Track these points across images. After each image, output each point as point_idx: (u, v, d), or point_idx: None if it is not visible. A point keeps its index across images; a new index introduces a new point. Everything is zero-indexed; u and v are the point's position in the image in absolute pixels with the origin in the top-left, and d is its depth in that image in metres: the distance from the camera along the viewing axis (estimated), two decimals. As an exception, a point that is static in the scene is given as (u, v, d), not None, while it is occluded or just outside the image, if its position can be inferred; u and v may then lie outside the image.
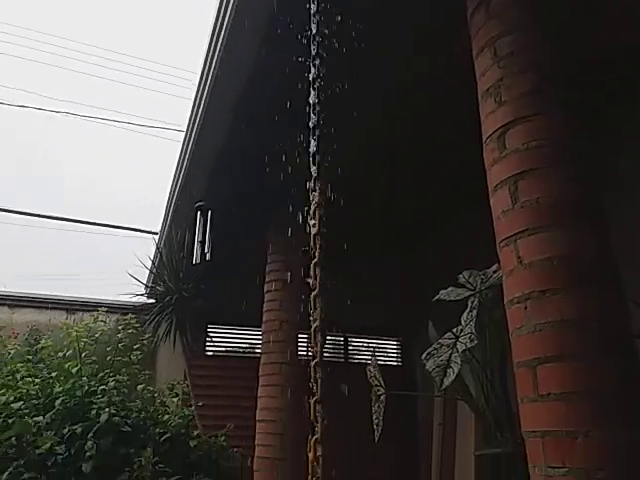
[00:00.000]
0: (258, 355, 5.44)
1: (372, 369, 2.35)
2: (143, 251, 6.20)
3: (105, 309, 4.35)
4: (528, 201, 1.99)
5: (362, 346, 8.68)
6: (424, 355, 2.23)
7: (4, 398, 2.97)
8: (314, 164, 1.63)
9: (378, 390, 2.33)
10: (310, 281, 1.55)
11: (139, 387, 3.40)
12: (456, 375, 2.09)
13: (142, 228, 8.26)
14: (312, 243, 1.61)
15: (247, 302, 5.30)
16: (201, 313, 5.17)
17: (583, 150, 2.10)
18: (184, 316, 4.88)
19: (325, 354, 1.51)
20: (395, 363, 8.78)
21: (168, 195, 5.07)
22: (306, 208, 1.58)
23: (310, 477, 1.46)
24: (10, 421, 2.71)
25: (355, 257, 5.23)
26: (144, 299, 5.79)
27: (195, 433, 3.29)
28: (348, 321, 7.50)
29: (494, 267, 2.47)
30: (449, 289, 2.49)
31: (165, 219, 5.40)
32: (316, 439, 1.49)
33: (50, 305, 7.04)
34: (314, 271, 1.60)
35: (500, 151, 2.13)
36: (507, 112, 2.15)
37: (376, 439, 2.33)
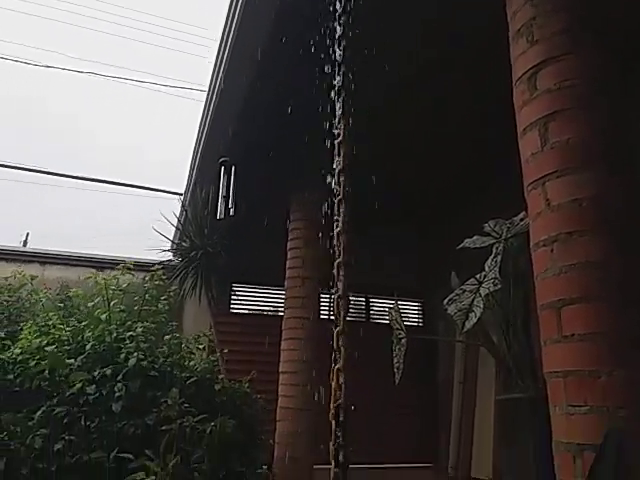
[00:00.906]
0: (281, 314, 5.53)
1: (393, 313, 2.36)
2: (168, 212, 6.28)
3: (132, 265, 4.41)
4: (558, 142, 1.95)
5: (384, 307, 8.75)
6: (446, 300, 2.23)
7: (38, 341, 3.08)
8: (338, 127, 1.53)
9: (399, 333, 2.35)
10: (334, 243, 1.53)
11: (166, 337, 3.49)
12: (478, 319, 2.09)
13: (167, 189, 8.33)
14: (336, 209, 1.58)
15: (271, 261, 5.36)
16: (226, 269, 5.24)
17: (616, 92, 2.03)
18: (209, 272, 4.95)
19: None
20: (416, 324, 8.84)
21: (192, 152, 5.08)
22: (330, 168, 1.55)
23: (332, 403, 1.48)
24: (44, 363, 2.83)
25: (377, 222, 5.23)
26: (170, 257, 5.90)
27: (220, 377, 3.38)
28: (369, 282, 7.55)
29: (521, 215, 2.43)
30: (474, 237, 2.47)
31: (190, 176, 5.43)
32: (338, 368, 1.51)
33: (79, 262, 7.22)
34: (338, 239, 1.58)
35: (531, 92, 2.07)
36: (539, 52, 2.08)
37: (397, 382, 2.35)
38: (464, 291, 2.22)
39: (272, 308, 7.60)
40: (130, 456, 2.49)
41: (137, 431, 2.83)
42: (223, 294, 7.10)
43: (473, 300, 2.14)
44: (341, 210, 1.55)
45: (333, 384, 1.50)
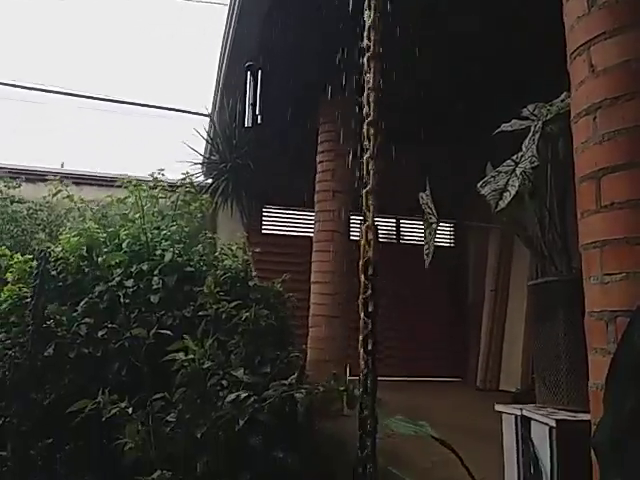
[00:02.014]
0: (311, 235, 5.58)
1: (425, 197, 2.32)
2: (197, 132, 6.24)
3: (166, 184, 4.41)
4: (607, 2, 1.80)
5: (414, 229, 8.72)
6: (480, 183, 2.18)
7: (76, 239, 3.18)
8: (369, 39, 1.36)
9: (430, 218, 2.32)
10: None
11: (200, 237, 3.56)
12: (512, 197, 2.04)
13: (194, 110, 8.24)
14: (365, 132, 1.47)
15: (300, 184, 5.34)
16: (256, 184, 5.25)
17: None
18: (239, 186, 4.96)
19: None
20: (448, 244, 8.82)
21: (218, 61, 4.96)
22: (361, 80, 1.41)
23: (362, 259, 1.47)
24: (82, 241, 2.92)
25: (407, 140, 5.08)
26: (201, 178, 5.94)
27: (253, 275, 3.46)
28: (400, 203, 7.47)
29: (562, 96, 2.31)
30: (512, 121, 2.37)
31: (216, 88, 5.34)
32: (367, 226, 1.49)
33: (114, 183, 7.34)
34: (367, 165, 1.50)
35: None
36: None
37: (426, 265, 2.35)
38: (499, 172, 2.15)
39: (302, 229, 7.68)
40: (169, 332, 2.60)
41: (175, 321, 2.95)
42: (254, 215, 7.20)
43: (508, 180, 2.08)
44: (371, 133, 1.45)
45: (362, 241, 1.50)
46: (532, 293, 2.36)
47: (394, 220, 8.66)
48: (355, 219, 5.69)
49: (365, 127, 1.44)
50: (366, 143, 1.46)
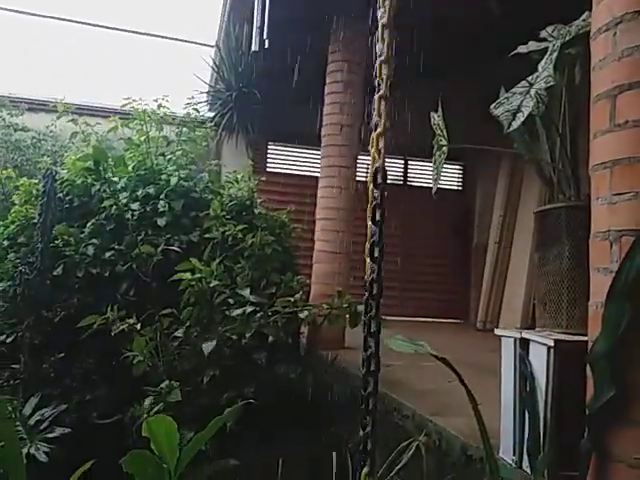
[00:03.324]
0: (317, 175, 5.52)
1: (436, 117, 2.27)
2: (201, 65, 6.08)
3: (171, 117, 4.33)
4: None
5: (422, 170, 8.63)
6: (493, 105, 2.12)
7: (80, 162, 3.17)
8: None
9: (440, 140, 2.28)
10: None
11: (205, 166, 3.54)
12: (525, 118, 1.99)
13: (200, 41, 8.01)
14: (377, 69, 1.39)
15: (307, 119, 5.23)
16: (261, 115, 5.15)
17: None
18: (245, 116, 4.88)
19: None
20: (456, 187, 8.76)
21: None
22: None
23: (369, 204, 1.44)
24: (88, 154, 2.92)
25: (418, 79, 4.91)
26: (207, 109, 5.83)
27: (258, 203, 3.46)
28: (408, 143, 7.35)
29: (583, 15, 2.21)
30: (529, 43, 2.28)
31: (223, 12, 5.15)
32: (379, 133, 1.46)
33: (117, 114, 7.23)
34: (378, 105, 1.43)
35: None
36: None
37: (433, 192, 2.33)
38: (514, 94, 2.09)
39: (308, 169, 7.62)
40: (177, 249, 2.64)
41: (182, 245, 2.98)
42: (259, 152, 7.12)
43: (522, 101, 2.03)
44: (384, 73, 1.37)
45: (372, 150, 1.48)
46: (539, 220, 2.34)
47: (402, 161, 8.58)
48: (362, 159, 5.63)
49: (377, 65, 1.39)
50: (378, 80, 1.41)
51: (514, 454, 2.11)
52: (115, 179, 2.91)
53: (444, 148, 2.22)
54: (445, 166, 8.32)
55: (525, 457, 2.02)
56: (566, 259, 2.11)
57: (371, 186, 1.48)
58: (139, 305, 2.70)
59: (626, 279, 1.59)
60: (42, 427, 2.44)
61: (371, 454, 1.41)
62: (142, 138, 3.25)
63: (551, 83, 1.97)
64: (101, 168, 2.45)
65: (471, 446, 2.43)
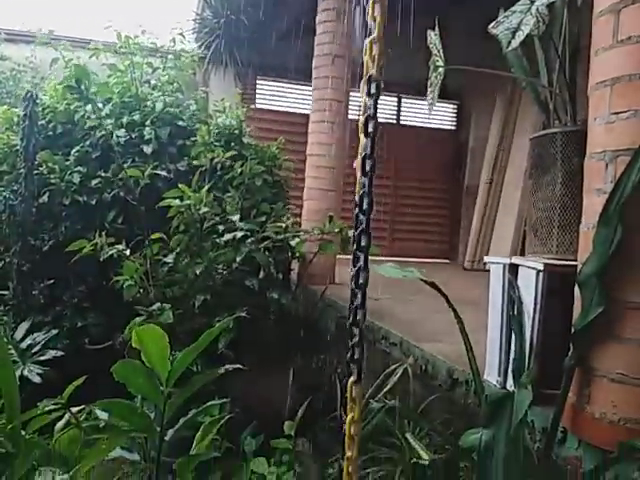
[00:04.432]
0: (307, 113, 5.37)
1: (433, 35, 2.19)
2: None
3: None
4: None
5: (415, 108, 8.47)
6: (492, 25, 2.04)
7: (62, 87, 3.05)
8: None
9: (437, 60, 2.20)
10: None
11: (193, 96, 3.42)
12: (525, 36, 1.92)
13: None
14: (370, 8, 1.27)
15: (297, 51, 5.03)
16: (249, 46, 4.95)
17: None
18: (233, 45, 4.69)
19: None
20: (449, 127, 8.64)
21: None
22: None
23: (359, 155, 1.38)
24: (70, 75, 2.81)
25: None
26: (194, 38, 5.59)
27: (247, 132, 3.38)
28: (401, 80, 7.17)
29: None
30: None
31: None
32: (368, 116, 1.38)
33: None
34: (370, 48, 1.31)
35: None
36: None
37: (429, 113, 2.27)
38: (514, 12, 2.00)
39: (299, 106, 7.43)
40: (164, 174, 2.59)
41: (169, 174, 2.92)
42: (248, 87, 6.90)
43: (522, 19, 1.95)
44: (376, 8, 1.26)
45: (361, 135, 1.41)
46: (534, 147, 2.31)
47: (395, 98, 8.39)
48: (354, 96, 5.48)
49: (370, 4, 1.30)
50: (371, 23, 1.33)
51: (499, 375, 2.17)
52: (99, 104, 2.80)
53: (440, 69, 2.14)
54: (439, 105, 8.18)
55: (510, 378, 2.08)
56: (559, 185, 2.09)
57: (362, 135, 1.42)
58: (128, 233, 2.67)
59: (619, 199, 1.58)
60: (34, 351, 2.46)
61: (358, 363, 1.43)
62: (126, 63, 3.11)
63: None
64: (83, 87, 2.35)
65: (457, 370, 2.50)
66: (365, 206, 1.39)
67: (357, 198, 1.39)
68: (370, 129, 1.38)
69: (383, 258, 6.77)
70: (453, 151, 8.52)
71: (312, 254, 4.70)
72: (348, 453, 1.42)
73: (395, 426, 2.25)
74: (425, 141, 8.35)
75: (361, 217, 1.39)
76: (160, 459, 1.62)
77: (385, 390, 2.38)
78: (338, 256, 5.30)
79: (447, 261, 8.46)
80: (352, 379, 1.44)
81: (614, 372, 1.58)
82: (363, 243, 1.40)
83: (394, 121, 8.53)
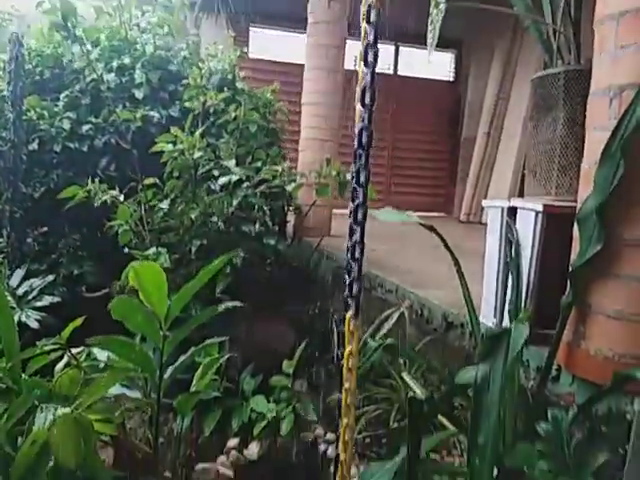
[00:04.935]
0: (302, 63, 5.21)
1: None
2: None
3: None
4: None
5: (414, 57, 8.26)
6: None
7: (48, 30, 2.93)
8: None
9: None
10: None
11: (185, 40, 3.30)
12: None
13: None
14: None
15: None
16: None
17: None
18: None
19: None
20: (447, 78, 8.46)
21: None
22: None
23: (359, 85, 1.32)
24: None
25: None
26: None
27: (242, 75, 3.29)
28: (399, 28, 6.94)
29: None
30: None
31: None
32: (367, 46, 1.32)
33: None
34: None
35: None
36: None
37: (428, 55, 2.20)
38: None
39: (293, 56, 7.23)
40: (155, 114, 2.53)
41: (161, 120, 2.85)
42: (241, 35, 6.68)
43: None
44: None
45: (360, 68, 1.34)
46: (536, 87, 2.26)
47: (392, 47, 8.17)
48: (351, 45, 5.31)
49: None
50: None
51: (495, 317, 2.19)
52: (88, 46, 2.70)
53: (442, 6, 2.06)
54: (438, 55, 7.95)
55: (506, 320, 2.10)
56: (560, 126, 2.05)
57: (360, 69, 1.37)
58: (121, 180, 2.62)
59: (623, 134, 1.55)
60: (31, 297, 2.46)
61: (356, 298, 1.43)
62: (114, 4, 2.99)
63: None
64: (70, 25, 2.24)
65: (452, 313, 2.52)
66: (364, 140, 1.36)
67: (356, 131, 1.36)
68: (370, 58, 1.34)
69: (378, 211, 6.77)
70: (451, 103, 8.38)
71: (308, 206, 4.69)
72: (346, 385, 1.44)
73: (391, 367, 2.29)
74: (422, 92, 8.20)
75: (360, 151, 1.36)
76: (160, 398, 1.64)
77: (382, 333, 2.40)
78: (334, 210, 5.29)
79: (443, 214, 8.45)
80: (350, 313, 1.45)
81: (611, 309, 1.59)
82: (362, 179, 1.38)
83: (391, 71, 8.34)
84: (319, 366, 2.55)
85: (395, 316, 2.51)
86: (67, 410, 1.33)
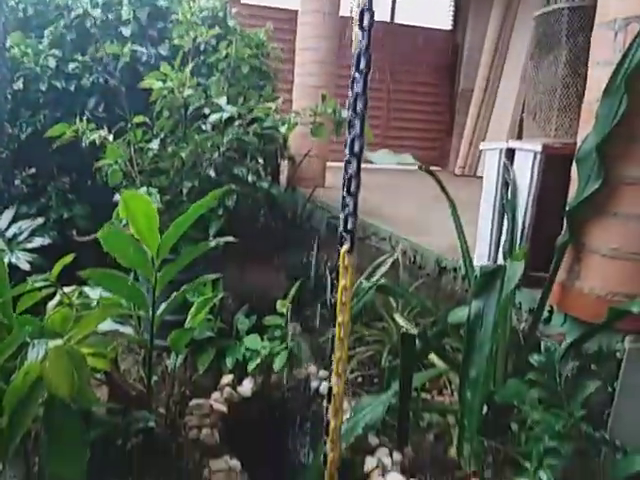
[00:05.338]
0: (296, 9, 5.00)
1: None
2: None
3: None
4: None
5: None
6: None
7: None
8: None
9: None
10: None
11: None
12: None
13: None
14: None
15: None
16: None
17: None
18: None
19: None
20: (445, 27, 8.21)
21: None
22: None
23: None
24: None
25: None
26: None
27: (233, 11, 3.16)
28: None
29: None
30: None
31: None
32: None
33: None
34: None
35: None
36: None
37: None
38: None
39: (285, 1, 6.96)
40: (143, 50, 2.44)
41: (150, 59, 2.75)
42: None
43: None
44: None
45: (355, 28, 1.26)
46: (538, 25, 2.18)
47: (390, -6, 7.89)
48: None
49: None
50: None
51: (488, 260, 2.19)
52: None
53: None
54: (436, 2, 7.65)
55: (500, 261, 2.10)
56: (562, 64, 2.00)
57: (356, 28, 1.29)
58: (109, 122, 2.54)
59: (628, 68, 1.50)
60: (21, 239, 2.43)
61: (351, 233, 1.41)
62: None
63: None
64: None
65: (445, 259, 2.52)
66: (362, 66, 1.31)
67: (354, 58, 1.31)
68: (366, 22, 1.27)
69: (372, 166, 6.70)
70: (448, 52, 8.17)
71: (301, 156, 4.62)
72: (339, 319, 1.44)
73: (383, 309, 2.30)
74: (420, 41, 7.98)
75: (357, 75, 1.31)
76: (153, 335, 1.64)
77: (375, 279, 2.40)
78: (328, 163, 5.22)
79: (438, 168, 8.38)
80: (345, 247, 1.43)
81: (606, 247, 1.59)
82: (359, 107, 1.34)
83: (388, 20, 8.09)
84: (312, 310, 2.56)
85: (389, 262, 2.49)
86: (59, 342, 1.32)
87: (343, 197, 1.40)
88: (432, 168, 7.08)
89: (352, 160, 1.38)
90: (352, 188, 1.40)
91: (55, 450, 1.41)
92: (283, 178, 4.60)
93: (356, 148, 1.37)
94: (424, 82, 8.09)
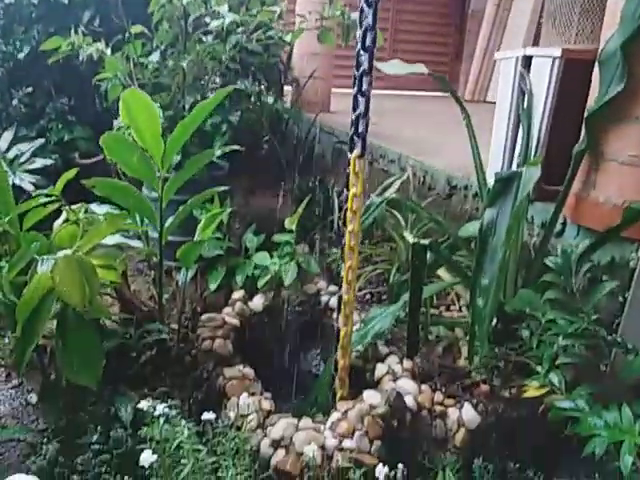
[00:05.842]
0: None
1: None
2: None
3: None
4: None
5: None
6: None
7: None
8: None
9: None
10: None
11: None
12: None
13: None
14: None
15: None
16: None
17: None
18: None
19: None
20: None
21: None
22: None
23: None
24: None
25: None
26: None
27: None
28: None
29: None
30: None
31: None
32: None
33: None
34: None
35: None
36: None
37: None
38: None
39: None
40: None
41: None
42: None
43: None
44: None
45: None
46: None
47: None
48: None
49: None
50: None
51: (501, 175, 2.14)
52: None
53: None
54: None
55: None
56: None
57: None
58: (106, 36, 2.42)
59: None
60: (23, 160, 2.38)
61: (362, 136, 1.37)
62: None
63: None
64: None
65: (456, 177, 2.47)
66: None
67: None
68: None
69: (381, 91, 6.48)
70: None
71: (305, 78, 4.45)
72: (350, 227, 1.42)
73: (393, 230, 2.27)
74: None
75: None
76: (162, 247, 1.62)
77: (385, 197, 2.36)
78: (333, 89, 5.04)
79: (447, 94, 8.12)
80: (356, 153, 1.39)
81: (625, 155, 1.53)
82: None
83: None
84: (320, 232, 2.54)
85: (398, 183, 2.43)
86: (68, 252, 1.31)
87: (354, 96, 1.34)
88: (441, 94, 6.83)
89: (364, 55, 1.31)
90: (364, 86, 1.34)
91: (70, 358, 1.43)
92: (287, 102, 4.47)
93: (368, 41, 1.30)
94: (433, 2, 7.70)
